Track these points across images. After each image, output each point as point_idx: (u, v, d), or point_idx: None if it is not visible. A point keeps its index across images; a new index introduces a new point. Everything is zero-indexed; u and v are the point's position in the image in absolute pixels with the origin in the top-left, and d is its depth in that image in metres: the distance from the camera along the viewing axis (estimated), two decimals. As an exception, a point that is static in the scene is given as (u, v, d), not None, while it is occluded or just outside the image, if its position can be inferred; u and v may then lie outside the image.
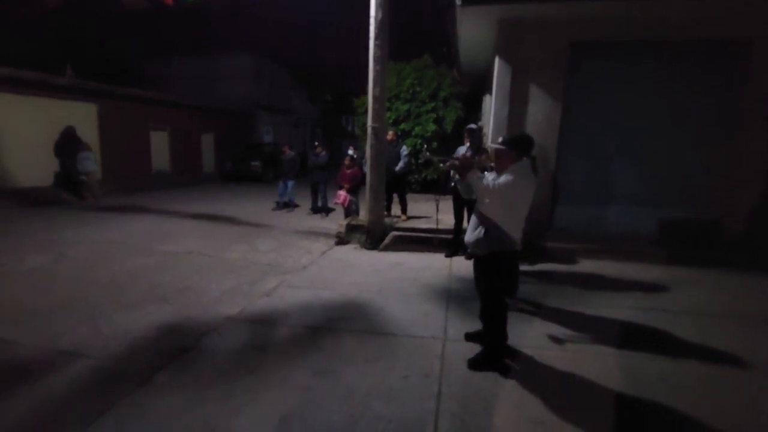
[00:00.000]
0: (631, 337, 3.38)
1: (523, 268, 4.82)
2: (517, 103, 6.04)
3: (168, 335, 3.35)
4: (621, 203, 6.17)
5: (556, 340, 3.30)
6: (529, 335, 3.35)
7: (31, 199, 9.93)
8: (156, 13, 7.51)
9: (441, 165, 3.18)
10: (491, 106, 6.46)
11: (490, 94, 6.97)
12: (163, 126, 16.05)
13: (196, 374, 2.79)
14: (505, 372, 2.78)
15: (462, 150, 5.25)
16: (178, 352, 3.08)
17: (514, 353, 3.03)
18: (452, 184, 5.03)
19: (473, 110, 11.90)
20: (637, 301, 4.18)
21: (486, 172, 2.99)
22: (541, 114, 6.03)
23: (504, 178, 2.66)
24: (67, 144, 11.88)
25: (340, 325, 3.57)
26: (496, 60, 6.11)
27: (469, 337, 3.22)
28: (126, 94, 14.34)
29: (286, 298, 4.22)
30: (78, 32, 16.93)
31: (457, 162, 2.83)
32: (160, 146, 15.95)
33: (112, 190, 12.11)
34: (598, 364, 2.92)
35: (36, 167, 11.13)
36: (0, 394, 2.53)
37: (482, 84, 10.39)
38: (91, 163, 10.85)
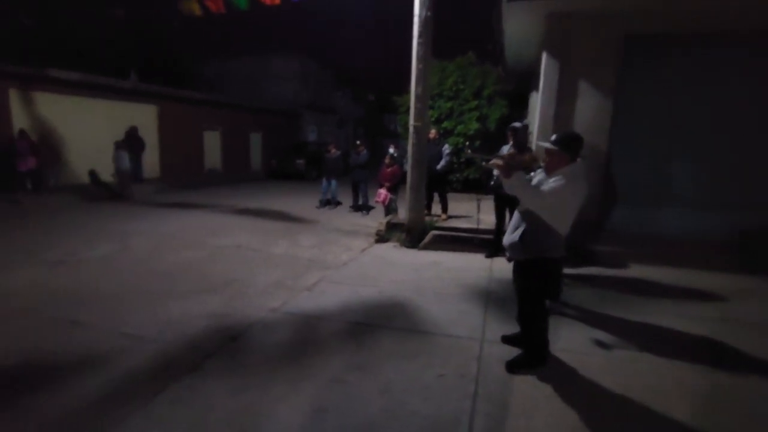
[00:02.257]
0: (684, 347, 3.18)
1: (568, 271, 4.65)
2: (564, 100, 5.83)
3: (216, 324, 3.56)
4: (678, 205, 5.79)
5: (602, 345, 3.18)
6: (571, 340, 3.25)
7: (100, 194, 10.80)
8: (210, 19, 7.91)
9: (483, 163, 3.12)
10: (537, 104, 6.27)
11: (537, 91, 6.77)
12: (216, 126, 16.91)
13: (241, 362, 2.95)
14: (543, 376, 2.71)
15: (505, 149, 5.15)
16: (225, 340, 3.26)
17: (555, 358, 2.95)
18: (492, 183, 4.94)
19: (519, 108, 11.59)
20: (693, 309, 3.93)
21: (532, 173, 2.91)
22: (590, 111, 5.78)
23: (552, 183, 2.52)
24: (132, 143, 12.82)
25: (378, 321, 3.63)
26: (543, 56, 5.92)
27: (506, 339, 3.17)
28: (182, 96, 15.25)
29: (326, 293, 4.34)
30: (141, 39, 18.18)
31: (500, 161, 2.74)
32: (212, 145, 16.82)
33: (168, 186, 12.93)
34: (646, 375, 2.78)
35: (103, 165, 12.11)
36: (72, 371, 2.80)
37: (528, 81, 10.09)
38: (125, 162, 11.13)
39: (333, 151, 10.18)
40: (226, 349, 3.12)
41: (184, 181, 14.00)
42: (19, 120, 10.41)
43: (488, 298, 4.18)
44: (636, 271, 5.07)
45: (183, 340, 3.27)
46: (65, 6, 13.43)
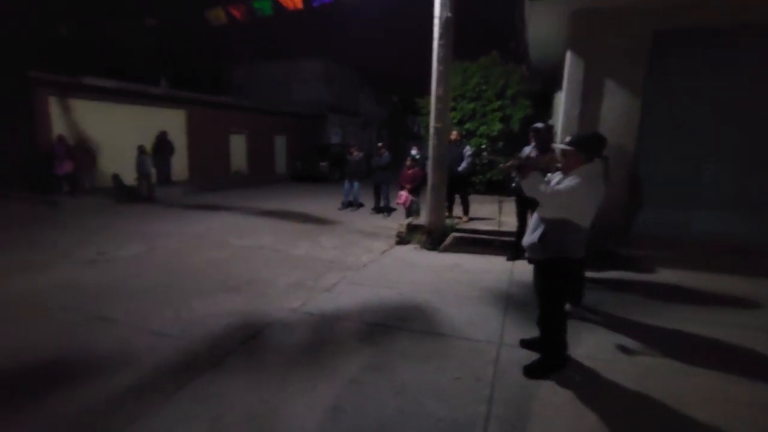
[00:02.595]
0: (715, 355, 3.05)
1: (591, 274, 4.53)
2: (589, 99, 5.68)
3: (238, 322, 3.65)
4: (709, 208, 5.55)
5: (625, 351, 3.08)
6: (593, 346, 3.16)
7: (131, 196, 11.23)
8: (236, 26, 8.11)
9: (501, 165, 3.10)
10: (561, 104, 6.14)
11: (561, 90, 6.64)
12: (242, 129, 17.32)
13: (261, 360, 3.01)
14: (562, 382, 2.66)
15: (527, 150, 5.07)
16: (246, 338, 3.34)
17: (575, 363, 2.88)
18: (513, 184, 4.87)
19: (544, 108, 11.38)
20: (725, 316, 3.76)
21: (549, 174, 2.88)
22: (617, 111, 5.61)
23: (567, 182, 2.54)
24: (161, 147, 13.30)
25: (396, 323, 3.63)
26: (568, 54, 5.80)
27: (525, 343, 3.12)
28: (210, 101, 15.70)
29: (345, 294, 4.37)
30: (171, 46, 18.84)
31: (516, 162, 2.75)
32: (238, 148, 17.24)
33: (196, 188, 13.32)
34: (673, 383, 2.68)
35: (134, 167, 12.60)
36: (103, 365, 2.93)
37: (553, 80, 9.89)
38: (149, 166, 11.39)
39: (355, 153, 10.26)
40: (246, 347, 3.20)
41: (211, 183, 14.40)
42: (57, 125, 10.96)
43: (508, 301, 4.12)
44: (664, 275, 4.89)
45: (205, 337, 3.37)
46: (100, 17, 14.09)
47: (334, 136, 23.40)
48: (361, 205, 10.23)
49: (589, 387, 2.64)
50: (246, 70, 23.62)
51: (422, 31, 6.57)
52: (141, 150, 11.23)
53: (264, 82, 23.26)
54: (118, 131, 12.32)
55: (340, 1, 7.30)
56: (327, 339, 3.36)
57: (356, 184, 10.02)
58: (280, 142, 19.74)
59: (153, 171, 11.37)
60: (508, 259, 5.52)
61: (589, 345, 3.17)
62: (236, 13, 7.94)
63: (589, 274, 4.33)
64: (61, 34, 10.61)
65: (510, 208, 5.93)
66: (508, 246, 5.69)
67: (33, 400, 2.51)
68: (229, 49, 22.68)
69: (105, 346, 3.20)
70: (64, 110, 11.21)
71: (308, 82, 22.99)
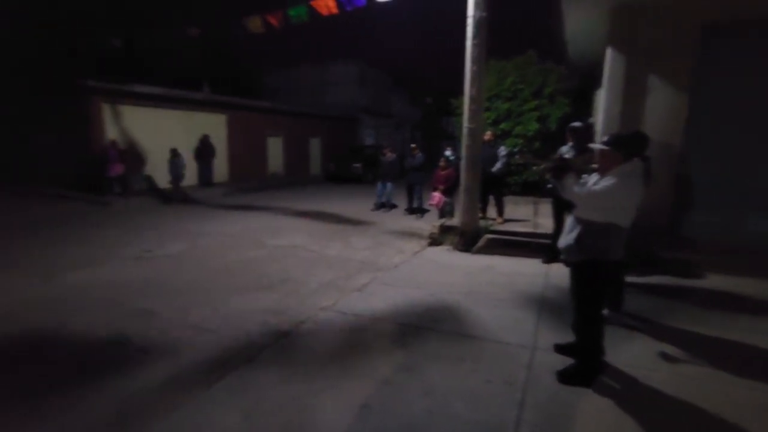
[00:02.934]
0: (763, 366, 2.84)
1: (632, 279, 4.33)
2: (632, 97, 5.44)
3: (272, 319, 3.76)
4: (764, 210, 5.17)
5: (667, 359, 2.92)
6: (633, 353, 3.02)
7: (173, 197, 11.79)
8: (272, 33, 8.36)
9: (534, 167, 3.04)
10: (602, 102, 5.92)
11: (602, 88, 6.39)
12: (278, 132, 17.80)
13: (293, 356, 3.08)
14: (599, 389, 2.56)
15: (564, 150, 4.92)
16: (279, 335, 3.43)
17: (613, 370, 2.76)
18: (549, 185, 4.75)
19: (583, 107, 10.98)
20: (782, 327, 3.49)
21: (585, 175, 2.79)
22: (661, 108, 5.34)
23: (603, 183, 2.46)
24: (204, 150, 13.89)
25: (426, 324, 3.62)
26: (608, 51, 5.58)
27: (559, 348, 3.02)
28: (249, 105, 16.25)
29: (376, 294, 4.40)
30: (212, 53, 19.64)
31: (551, 164, 2.68)
32: (274, 150, 17.73)
33: (234, 189, 13.81)
34: (716, 394, 2.52)
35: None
36: (147, 356, 3.11)
37: (593, 78, 9.53)
38: (180, 169, 11.51)
39: (389, 154, 10.30)
40: (279, 344, 3.28)
41: (249, 184, 14.88)
42: (109, 131, 11.69)
43: (542, 304, 4.01)
44: (713, 281, 4.59)
45: (240, 332, 3.49)
46: (148, 27, 14.92)
47: (367, 138, 23.60)
48: (394, 206, 10.25)
49: (628, 395, 2.53)
50: (281, 75, 24.27)
51: (456, 31, 6.52)
52: (174, 153, 11.52)
53: (299, 85, 23.82)
54: (163, 135, 12.97)
55: (373, 4, 7.36)
56: (357, 338, 3.40)
57: (389, 185, 10.05)
58: (314, 144, 20.14)
59: (184, 174, 11.57)
60: (544, 262, 5.38)
61: (629, 352, 3.03)
62: (273, 20, 8.19)
63: (630, 278, 4.14)
64: (114, 46, 11.32)
65: (546, 209, 5.78)
66: (544, 248, 5.53)
67: (84, 384, 2.70)
68: (266, 54, 23.36)
69: (149, 338, 3.39)
70: (115, 116, 11.94)
71: (342, 85, 23.32)
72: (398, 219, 9.16)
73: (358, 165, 17.47)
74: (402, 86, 27.89)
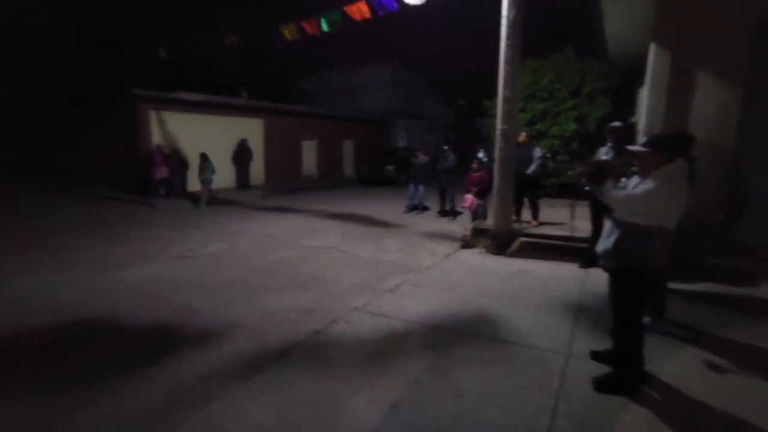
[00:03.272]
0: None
1: (677, 286, 4.13)
2: (677, 94, 5.18)
3: (305, 317, 3.85)
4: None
5: (714, 369, 2.77)
6: (677, 363, 2.89)
7: (216, 199, 12.30)
8: (307, 39, 8.57)
9: (569, 172, 2.97)
10: (645, 101, 5.68)
11: (645, 86, 6.13)
12: (313, 135, 18.17)
13: (325, 354, 3.16)
14: (637, 399, 2.46)
15: (603, 151, 4.76)
16: (312, 333, 3.52)
17: (653, 380, 2.65)
18: (587, 187, 4.62)
19: (625, 106, 10.56)
20: None
21: (624, 179, 2.70)
22: (711, 106, 5.05)
23: (642, 187, 2.37)
24: (242, 154, 14.40)
25: (457, 326, 3.61)
26: (652, 47, 5.35)
27: (596, 355, 2.93)
28: (284, 110, 16.70)
29: (408, 295, 4.42)
30: (250, 60, 20.32)
31: (587, 168, 2.61)
32: (309, 153, 18.11)
33: (270, 191, 14.21)
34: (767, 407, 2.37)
35: (218, 173, 13.78)
36: (189, 348, 3.27)
37: (635, 75, 9.15)
38: (209, 173, 11.44)
39: (421, 156, 10.29)
40: (312, 341, 3.37)
41: (285, 186, 15.27)
42: (155, 136, 12.35)
43: (579, 310, 3.89)
44: (767, 290, 4.30)
45: (275, 329, 3.60)
46: (190, 36, 15.66)
47: (400, 140, 23.66)
48: (426, 208, 10.23)
49: (670, 406, 2.42)
50: (315, 79, 24.76)
51: (492, 32, 6.45)
52: (203, 158, 11.49)
53: (333, 89, 24.22)
54: (204, 140, 13.55)
55: (406, 7, 7.40)
56: (388, 339, 3.43)
57: (421, 188, 10.04)
58: (348, 147, 20.40)
59: (212, 178, 11.54)
60: (581, 267, 5.21)
61: (673, 362, 2.90)
62: (308, 27, 8.40)
63: (674, 285, 3.96)
64: (160, 57, 11.96)
65: (584, 212, 5.60)
66: (582, 252, 5.36)
67: (132, 372, 2.88)
68: (300, 59, 23.88)
69: (191, 332, 3.56)
70: (160, 122, 12.59)
71: (375, 88, 23.51)
72: (430, 221, 9.13)
73: (390, 167, 17.55)
74: (435, 88, 27.77)
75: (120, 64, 15.60)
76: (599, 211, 4.98)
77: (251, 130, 15.21)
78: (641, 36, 6.47)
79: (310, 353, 3.17)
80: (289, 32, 8.15)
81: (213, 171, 11.49)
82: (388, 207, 11.15)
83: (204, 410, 2.46)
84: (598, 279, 4.69)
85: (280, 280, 5.00)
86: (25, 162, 16.26)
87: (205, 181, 11.35)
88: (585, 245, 5.38)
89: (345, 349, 3.23)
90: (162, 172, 11.59)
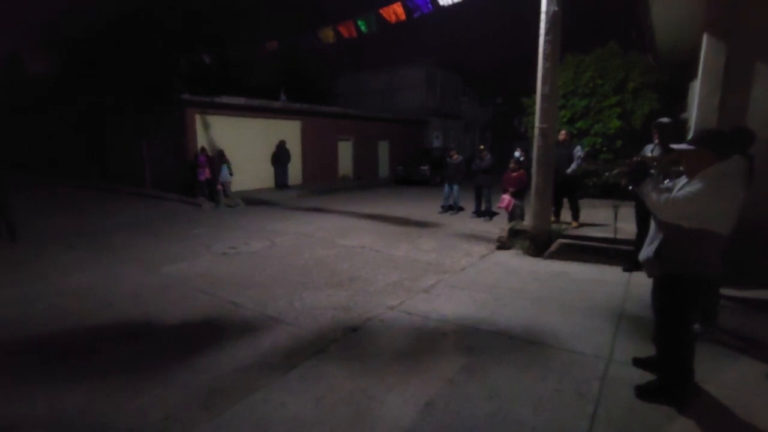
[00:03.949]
0: None
1: (731, 292, 3.89)
2: (733, 88, 4.87)
3: (341, 315, 3.94)
4: None
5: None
6: (727, 374, 2.73)
7: (253, 199, 12.74)
8: (343, 42, 8.73)
9: (607, 174, 2.84)
10: (696, 95, 5.37)
11: (697, 79, 5.79)
12: (348, 136, 18.41)
13: (360, 351, 3.22)
14: (683, 409, 2.35)
15: (650, 149, 4.55)
16: (348, 330, 3.60)
17: (701, 391, 2.52)
18: (630, 186, 4.46)
19: (674, 101, 10.00)
20: None
21: (667, 181, 2.56)
22: (771, 99, 4.72)
23: (688, 189, 2.19)
24: (280, 155, 14.81)
25: (492, 328, 3.57)
26: (705, 37, 5.05)
27: (639, 362, 2.82)
28: (322, 111, 17.02)
29: (442, 296, 4.42)
30: (288, 63, 20.87)
31: (626, 169, 2.47)
32: (345, 154, 18.36)
33: (308, 192, 14.54)
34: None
35: (258, 174, 14.27)
36: (231, 341, 3.43)
37: (686, 69, 8.64)
38: (227, 174, 11.66)
39: (455, 156, 10.21)
40: (347, 339, 3.45)
41: (321, 187, 15.56)
42: (200, 139, 12.94)
43: (621, 315, 3.75)
44: (838, 298, 3.96)
45: (312, 325, 3.71)
46: (234, 42, 16.32)
47: (434, 140, 23.51)
48: (461, 208, 10.13)
49: (718, 420, 2.30)
50: (350, 80, 25.03)
51: (531, 27, 6.31)
52: (222, 160, 11.63)
53: (367, 90, 24.39)
54: (245, 142, 14.06)
55: (441, 8, 7.37)
56: (423, 338, 3.45)
57: (456, 188, 9.96)
58: (383, 147, 20.50)
59: (230, 179, 11.65)
60: (625, 270, 5.01)
61: (723, 372, 2.74)
62: (344, 30, 8.54)
63: (728, 291, 3.73)
64: (204, 63, 12.56)
65: (629, 213, 5.37)
66: (625, 255, 5.15)
67: (180, 362, 3.06)
68: (336, 60, 24.21)
69: (232, 326, 3.73)
70: (205, 125, 13.18)
71: (410, 88, 23.48)
72: (465, 222, 9.04)
73: (425, 167, 17.48)
74: (472, 87, 27.38)
75: (168, 69, 16.47)
76: (645, 213, 4.76)
77: (289, 131, 15.61)
78: (693, 26, 6.12)
79: (346, 350, 3.25)
80: (325, 36, 8.31)
81: (229, 170, 11.63)
82: (422, 207, 11.13)
83: (245, 400, 2.58)
84: (642, 283, 4.48)
85: (317, 278, 5.13)
86: (79, 163, 17.51)
87: (223, 182, 11.52)
88: (629, 248, 5.16)
89: (380, 347, 3.28)
90: (206, 174, 12.12)
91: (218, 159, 11.76)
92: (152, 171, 14.32)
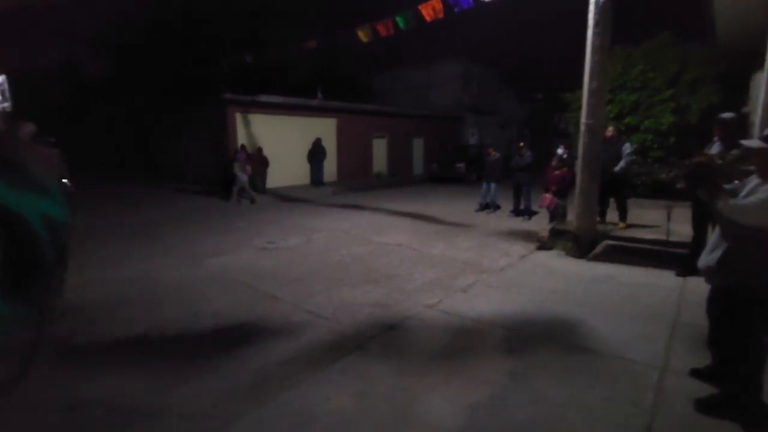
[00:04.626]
0: None
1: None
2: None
3: (379, 312, 3.94)
4: None
5: None
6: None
7: (288, 196, 13.00)
8: (379, 39, 8.74)
9: (662, 176, 2.62)
10: (762, 88, 4.98)
11: (763, 71, 5.36)
12: (383, 133, 18.43)
13: (399, 349, 3.20)
14: (750, 427, 2.17)
15: (715, 148, 4.25)
16: (385, 328, 3.59)
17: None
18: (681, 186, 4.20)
19: (736, 94, 9.31)
20: None
21: (736, 182, 2.34)
22: None
23: (761, 194, 1.99)
24: (316, 152, 15.03)
25: (534, 331, 3.46)
26: (773, 26, 4.67)
27: (697, 373, 2.63)
28: (357, 109, 17.12)
29: (481, 296, 4.33)
30: (325, 61, 21.13)
31: (684, 170, 2.25)
32: (379, 151, 18.39)
33: (342, 189, 14.68)
34: None
35: (294, 171, 14.55)
36: (272, 335, 3.51)
37: (750, 59, 8.02)
38: (239, 170, 11.51)
39: (493, 153, 9.99)
40: (386, 336, 3.44)
41: (356, 184, 15.67)
42: (240, 136, 13.33)
43: (676, 322, 3.54)
44: None
45: (351, 322, 3.73)
46: (272, 42, 16.72)
47: (470, 137, 23.11)
48: (498, 207, 9.90)
49: (794, 440, 2.11)
50: (386, 77, 24.98)
51: (574, 20, 6.06)
52: (236, 157, 11.69)
53: (403, 86, 24.27)
54: (283, 139, 14.36)
55: (481, 2, 7.21)
56: (462, 338, 3.39)
57: (493, 185, 9.73)
58: (417, 145, 20.38)
59: (245, 177, 11.54)
60: (678, 275, 4.72)
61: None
62: (382, 29, 8.52)
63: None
64: (246, 62, 12.94)
65: (683, 214, 5.07)
66: (680, 259, 4.85)
67: (226, 352, 3.15)
68: (372, 57, 24.23)
69: (274, 319, 3.81)
70: (245, 123, 13.57)
71: (446, 85, 23.16)
72: (503, 220, 8.82)
73: (461, 165, 17.23)
74: (510, 82, 26.70)
75: (210, 70, 17.07)
76: (703, 214, 4.46)
77: (325, 129, 15.81)
78: (758, 13, 5.67)
79: (385, 347, 3.24)
80: (364, 34, 8.32)
81: (242, 167, 11.55)
82: (458, 205, 10.98)
83: (289, 392, 2.62)
84: (698, 289, 4.18)
85: (354, 274, 5.15)
86: (127, 159, 18.49)
87: (239, 178, 11.50)
88: (683, 251, 4.87)
89: (419, 346, 3.25)
90: (246, 170, 12.48)
91: (235, 158, 11.66)
92: (194, 167, 14.92)
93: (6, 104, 0.77)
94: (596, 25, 5.36)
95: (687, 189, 2.22)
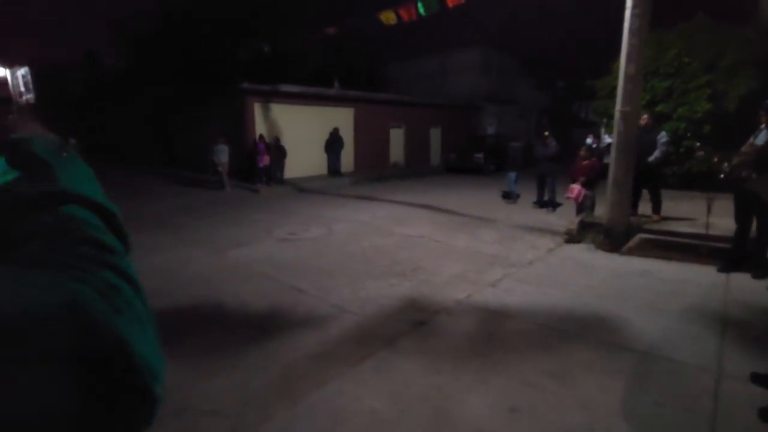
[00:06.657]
0: None
1: None
2: None
3: (407, 307, 3.82)
4: None
5: None
6: None
7: (306, 187, 12.94)
8: (398, 26, 8.50)
9: (726, 164, 2.47)
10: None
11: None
12: (400, 123, 18.17)
13: (431, 346, 3.08)
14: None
15: (764, 136, 3.97)
16: (415, 323, 3.47)
17: None
18: (722, 175, 3.95)
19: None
20: None
21: None
22: None
23: None
24: (334, 142, 14.91)
25: (570, 327, 3.30)
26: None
27: (758, 378, 2.44)
28: (374, 98, 16.89)
29: (511, 291, 4.17)
30: (343, 50, 20.87)
31: (752, 156, 2.10)
32: (396, 141, 18.16)
33: (360, 179, 14.54)
34: None
35: (311, 161, 14.47)
36: (298, 328, 3.42)
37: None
38: (225, 155, 11.76)
39: (514, 143, 9.70)
40: (416, 332, 3.32)
41: (373, 174, 15.50)
42: (258, 126, 13.28)
43: (725, 321, 3.33)
44: None
45: (379, 316, 3.62)
46: (291, 29, 16.56)
47: (489, 127, 22.66)
48: (517, 196, 9.63)
49: None
50: (403, 65, 24.59)
51: (599, 6, 5.74)
52: (216, 141, 11.79)
53: (421, 75, 23.87)
54: (301, 129, 14.27)
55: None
56: (496, 335, 3.25)
57: (512, 175, 9.46)
58: (435, 134, 20.06)
59: (225, 162, 11.75)
60: (720, 270, 4.46)
61: None
62: (404, 13, 8.28)
63: None
64: (264, 52, 12.83)
65: (720, 206, 4.80)
66: (722, 254, 4.60)
67: (254, 346, 3.07)
68: (389, 45, 23.83)
69: (299, 312, 3.73)
70: (264, 113, 13.50)
71: (464, 73, 22.70)
72: (526, 212, 8.57)
73: (479, 155, 16.88)
74: (529, 71, 26.03)
75: (229, 59, 17.03)
76: (747, 206, 4.20)
77: (342, 119, 15.64)
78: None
79: (416, 344, 3.12)
80: (386, 18, 8.10)
81: (225, 153, 11.71)
82: (478, 196, 10.75)
83: (320, 390, 2.53)
84: (744, 286, 4.00)
85: (378, 267, 5.04)
86: (147, 149, 18.66)
87: (223, 164, 11.65)
88: (725, 245, 4.61)
89: (451, 343, 3.13)
90: (264, 161, 12.45)
91: (218, 139, 11.77)
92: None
93: (30, 95, 0.72)
94: (635, 6, 5.07)
95: (755, 172, 2.05)
